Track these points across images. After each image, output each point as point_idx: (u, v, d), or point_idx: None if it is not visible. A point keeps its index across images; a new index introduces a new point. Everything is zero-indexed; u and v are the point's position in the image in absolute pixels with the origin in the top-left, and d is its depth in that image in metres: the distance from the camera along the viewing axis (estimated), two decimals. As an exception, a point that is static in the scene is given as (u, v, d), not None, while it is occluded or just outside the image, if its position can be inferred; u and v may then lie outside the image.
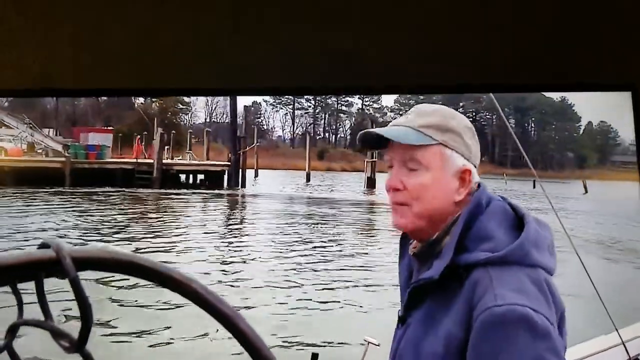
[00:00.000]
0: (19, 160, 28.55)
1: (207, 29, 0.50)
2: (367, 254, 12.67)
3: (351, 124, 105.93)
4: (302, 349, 6.51)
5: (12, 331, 0.42)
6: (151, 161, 30.64)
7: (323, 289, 9.60)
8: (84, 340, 0.39)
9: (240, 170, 32.07)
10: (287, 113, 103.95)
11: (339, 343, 6.68)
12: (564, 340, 0.99)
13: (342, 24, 0.49)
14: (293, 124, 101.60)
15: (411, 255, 1.17)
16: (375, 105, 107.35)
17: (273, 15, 0.49)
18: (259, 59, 0.50)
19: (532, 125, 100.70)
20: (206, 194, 28.78)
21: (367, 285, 9.77)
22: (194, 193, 28.65)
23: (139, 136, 35.29)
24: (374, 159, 35.19)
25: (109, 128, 40.15)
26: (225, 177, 32.62)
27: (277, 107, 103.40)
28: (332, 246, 13.79)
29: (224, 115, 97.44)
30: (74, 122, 50.78)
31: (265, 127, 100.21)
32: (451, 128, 1.10)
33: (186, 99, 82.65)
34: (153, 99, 77.93)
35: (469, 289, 0.99)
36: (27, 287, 0.40)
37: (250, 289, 9.46)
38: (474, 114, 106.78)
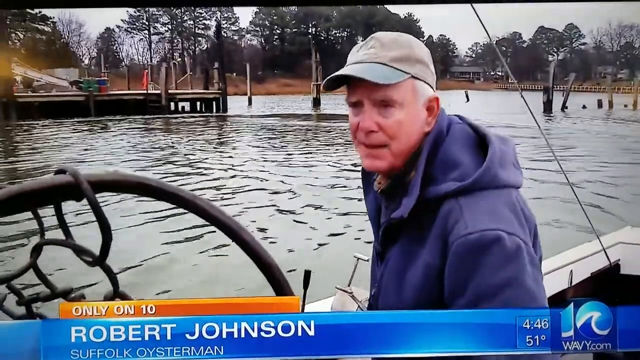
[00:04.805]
0: (45, 95, 31.44)
1: None
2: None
3: (208, 47, 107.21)
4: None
5: (37, 250, 0.45)
6: (159, 91, 35.51)
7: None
8: (104, 256, 0.42)
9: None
10: (142, 39, 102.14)
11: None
12: (538, 252, 1.02)
13: None
14: (150, 49, 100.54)
15: (377, 191, 1.15)
16: (233, 28, 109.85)
17: None
18: None
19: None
20: (210, 116, 34.67)
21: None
22: (201, 116, 34.14)
23: (146, 70, 39.00)
24: (318, 82, 42.02)
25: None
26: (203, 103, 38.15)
27: (131, 32, 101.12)
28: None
29: (78, 44, 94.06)
30: None
31: (119, 54, 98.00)
32: (420, 58, 1.06)
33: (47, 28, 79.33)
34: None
35: (442, 220, 0.99)
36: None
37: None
38: (325, 32, 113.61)
